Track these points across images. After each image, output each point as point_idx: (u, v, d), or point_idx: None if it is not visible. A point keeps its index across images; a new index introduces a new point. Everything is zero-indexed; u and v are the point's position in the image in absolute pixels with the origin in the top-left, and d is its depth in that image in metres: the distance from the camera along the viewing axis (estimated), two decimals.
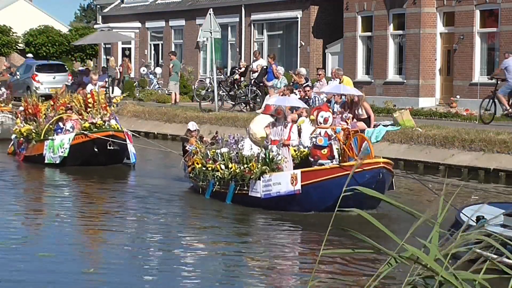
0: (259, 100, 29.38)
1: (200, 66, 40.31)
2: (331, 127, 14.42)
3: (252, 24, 37.18)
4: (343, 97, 23.65)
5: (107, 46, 40.03)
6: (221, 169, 15.16)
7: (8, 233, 12.51)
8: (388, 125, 22.47)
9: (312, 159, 14.51)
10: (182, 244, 12.05)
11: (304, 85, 26.35)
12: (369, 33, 31.34)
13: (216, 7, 33.84)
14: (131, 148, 20.28)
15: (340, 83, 25.28)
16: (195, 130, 17.60)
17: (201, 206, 15.24)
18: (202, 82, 36.63)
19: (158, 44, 43.36)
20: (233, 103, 30.57)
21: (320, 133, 14.40)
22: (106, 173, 19.71)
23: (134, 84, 37.36)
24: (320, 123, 14.48)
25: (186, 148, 17.05)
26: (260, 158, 14.58)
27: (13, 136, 23.25)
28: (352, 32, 31.76)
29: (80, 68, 45.68)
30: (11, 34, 54.61)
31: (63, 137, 20.48)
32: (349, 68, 30.86)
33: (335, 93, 18.04)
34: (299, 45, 34.98)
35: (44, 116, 21.78)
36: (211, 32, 29.80)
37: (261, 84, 29.84)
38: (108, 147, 19.82)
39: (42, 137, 21.06)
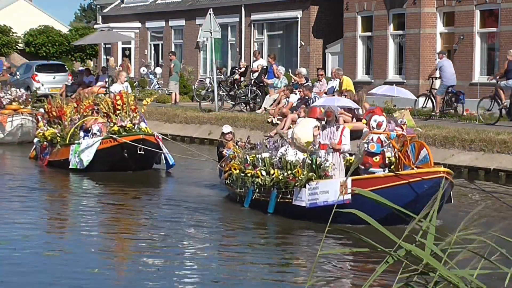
0: (259, 100, 29.39)
1: (200, 66, 40.31)
2: (384, 132, 13.42)
3: (252, 24, 37.18)
4: (343, 97, 23.69)
5: (107, 46, 40.05)
6: (262, 175, 14.07)
7: (30, 240, 11.93)
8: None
9: (362, 167, 13.43)
10: (219, 262, 10.94)
11: (304, 84, 26.37)
12: (369, 33, 31.34)
13: (216, 7, 33.84)
14: (166, 152, 19.44)
15: (340, 83, 25.34)
16: (229, 133, 16.66)
17: (240, 217, 14.07)
18: (202, 82, 36.64)
19: (158, 44, 43.36)
20: (233, 103, 30.57)
21: (372, 139, 13.37)
22: (135, 179, 18.67)
23: (134, 84, 37.34)
24: (373, 128, 13.43)
25: (223, 152, 16.00)
26: (305, 164, 13.51)
27: (35, 140, 22.15)
28: (352, 32, 31.77)
29: (80, 68, 45.70)
30: (11, 34, 54.62)
31: (90, 141, 19.35)
32: (349, 68, 30.86)
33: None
34: (299, 45, 34.98)
35: (69, 119, 20.68)
36: (211, 32, 29.80)
37: (261, 84, 29.84)
38: (138, 152, 18.72)
39: (67, 141, 20.03)
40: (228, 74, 32.78)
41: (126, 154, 18.84)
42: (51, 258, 10.83)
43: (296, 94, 25.85)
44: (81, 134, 20.05)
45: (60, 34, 54.72)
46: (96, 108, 20.32)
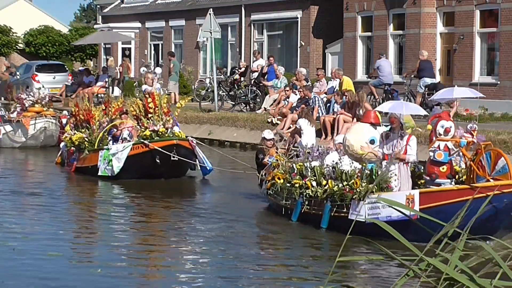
0: (259, 100, 29.39)
1: (200, 66, 40.30)
2: (453, 139, 12.20)
3: (252, 24, 37.18)
4: (343, 97, 23.71)
5: (107, 46, 40.04)
6: (312, 186, 12.81)
7: (57, 250, 11.36)
8: (388, 125, 22.44)
9: (427, 177, 12.24)
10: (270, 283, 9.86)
11: (304, 85, 26.38)
12: (369, 33, 31.34)
13: (216, 7, 33.83)
14: (202, 157, 18.24)
15: (340, 83, 25.35)
16: (271, 139, 15.56)
17: (288, 231, 12.80)
18: (202, 82, 36.62)
19: (158, 44, 43.35)
20: (233, 103, 30.58)
21: (439, 147, 12.13)
22: (168, 187, 17.57)
23: (134, 84, 37.33)
24: (440, 135, 12.18)
25: (265, 160, 14.83)
26: (364, 174, 12.24)
27: (61, 145, 21.14)
28: (352, 32, 31.76)
29: (81, 68, 45.70)
30: (11, 34, 54.59)
31: (120, 146, 18.17)
32: (349, 68, 30.85)
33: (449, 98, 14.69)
34: (299, 45, 34.98)
35: (97, 122, 19.59)
36: (211, 32, 29.80)
37: (261, 84, 29.86)
38: (172, 158, 17.48)
39: (96, 147, 18.92)
40: (228, 74, 32.79)
41: (158, 161, 17.62)
42: (78, 268, 10.45)
43: (296, 94, 25.86)
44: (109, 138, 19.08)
45: (60, 34, 54.70)
46: (124, 110, 19.36)
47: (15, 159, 23.91)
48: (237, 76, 31.51)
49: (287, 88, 26.85)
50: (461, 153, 12.26)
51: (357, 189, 12.07)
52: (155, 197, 16.39)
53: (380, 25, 30.63)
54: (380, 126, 13.07)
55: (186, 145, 17.90)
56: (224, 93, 31.16)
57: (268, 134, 15.76)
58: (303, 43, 34.77)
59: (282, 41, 36.68)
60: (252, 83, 30.52)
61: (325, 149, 13.83)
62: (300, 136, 22.35)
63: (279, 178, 13.58)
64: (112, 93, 36.72)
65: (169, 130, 18.05)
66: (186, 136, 18.70)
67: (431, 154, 12.17)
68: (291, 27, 35.75)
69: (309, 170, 13.06)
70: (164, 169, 17.83)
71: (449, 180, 12.04)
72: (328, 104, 24.50)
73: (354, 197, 12.08)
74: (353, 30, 31.67)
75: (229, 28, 38.29)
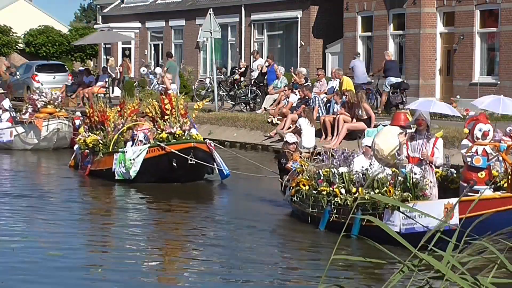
0: (259, 100, 29.40)
1: (200, 66, 40.31)
2: (492, 143, 11.53)
3: (252, 24, 37.18)
4: (343, 97, 23.71)
5: (107, 46, 40.04)
6: (341, 194, 12.08)
7: (69, 257, 10.88)
8: (388, 125, 22.44)
9: (464, 184, 11.48)
10: None
11: (304, 84, 26.38)
12: (369, 33, 31.34)
13: (216, 7, 33.83)
14: (220, 161, 17.46)
15: (340, 83, 25.35)
16: (294, 143, 14.64)
17: (316, 241, 12.09)
18: (202, 82, 36.63)
19: (158, 44, 43.36)
20: (233, 103, 30.59)
21: (476, 151, 11.43)
22: (184, 192, 16.80)
23: (134, 84, 37.33)
24: (478, 139, 11.48)
25: (288, 165, 13.98)
26: (397, 181, 11.50)
27: (75, 147, 20.37)
28: (352, 32, 31.76)
29: (81, 68, 45.71)
30: (11, 34, 54.60)
31: (136, 149, 17.47)
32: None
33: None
34: (299, 45, 34.98)
35: (112, 124, 18.82)
36: (211, 32, 29.81)
37: (261, 84, 29.86)
38: (189, 161, 16.82)
39: (110, 149, 18.29)
40: (228, 74, 32.79)
41: (175, 164, 16.92)
42: (93, 275, 10.16)
43: (296, 94, 25.86)
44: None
45: (60, 34, 54.71)
46: (141, 112, 18.67)
47: (27, 162, 23.39)
48: (237, 76, 31.51)
49: (286, 88, 26.86)
50: (500, 158, 11.51)
51: (391, 197, 11.22)
52: (171, 201, 15.73)
53: (380, 25, 30.63)
54: (410, 128, 12.42)
55: (204, 148, 17.22)
56: (224, 93, 31.16)
57: (291, 137, 14.83)
58: (303, 43, 34.77)
59: (282, 41, 36.68)
60: (252, 83, 30.52)
61: (350, 153, 13.02)
62: (300, 136, 22.37)
63: (304, 185, 12.78)
64: (112, 93, 36.75)
65: (186, 132, 17.35)
66: (204, 139, 18.02)
67: (469, 159, 11.44)
68: (291, 27, 35.76)
69: (337, 176, 12.29)
70: (181, 173, 17.12)
71: (487, 187, 11.17)
72: (328, 104, 24.50)
73: (387, 206, 11.31)
74: (353, 30, 31.67)
75: (229, 28, 38.30)
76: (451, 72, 28.91)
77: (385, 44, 30.41)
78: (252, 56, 33.84)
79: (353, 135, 22.58)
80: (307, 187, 12.76)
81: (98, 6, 50.85)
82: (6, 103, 26.25)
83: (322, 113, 23.92)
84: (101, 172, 18.30)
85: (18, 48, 54.87)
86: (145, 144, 17.61)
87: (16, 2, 61.60)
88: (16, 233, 12.60)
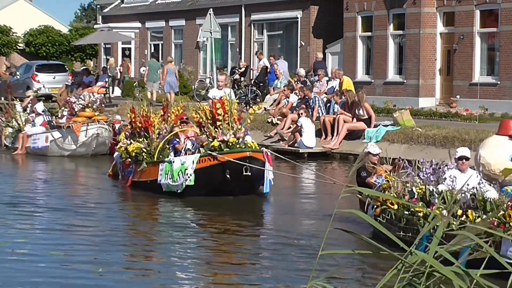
0: (259, 100, 29.41)
1: (200, 66, 40.31)
2: None
3: (252, 24, 37.19)
4: (343, 97, 23.72)
5: (107, 46, 40.07)
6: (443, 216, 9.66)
7: (106, 279, 9.91)
8: (388, 125, 22.49)
9: None
10: None
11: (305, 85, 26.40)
12: (369, 33, 31.34)
13: (216, 7, 33.85)
14: (268, 174, 15.42)
15: (340, 83, 25.36)
16: (377, 154, 12.90)
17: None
18: (202, 82, 36.65)
19: (158, 44, 43.37)
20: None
21: None
22: (238, 206, 14.96)
23: (134, 84, 37.37)
24: None
25: (371, 180, 12.23)
26: None
27: (115, 155, 18.59)
28: (352, 32, 31.76)
29: (82, 68, 45.75)
30: (11, 34, 54.63)
31: (185, 159, 15.59)
32: (349, 68, 30.85)
33: None
34: (299, 45, 34.99)
35: (157, 131, 16.98)
36: (211, 32, 29.82)
37: (261, 84, 29.88)
38: (244, 173, 14.91)
39: (155, 159, 16.45)
40: (228, 74, 32.79)
41: (228, 176, 15.09)
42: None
43: (296, 94, 25.87)
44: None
45: (60, 34, 54.74)
46: (185, 117, 17.03)
47: (64, 169, 21.64)
48: (237, 76, 31.52)
49: (285, 88, 26.87)
50: None
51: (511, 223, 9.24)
52: (223, 218, 13.90)
53: (380, 25, 30.64)
54: None
55: (260, 157, 15.27)
56: None
57: (373, 148, 12.95)
58: (303, 43, 34.77)
59: (282, 41, 36.69)
60: (252, 83, 30.53)
61: (439, 164, 11.25)
62: (301, 135, 22.38)
63: (392, 204, 10.90)
64: (112, 93, 36.78)
65: (240, 140, 15.43)
66: (260, 147, 16.21)
67: None
68: (291, 27, 35.76)
69: (436, 195, 10.37)
70: (234, 185, 15.24)
71: None
72: (328, 104, 24.52)
73: (510, 233, 9.19)
74: (353, 30, 31.68)
75: (229, 28, 38.30)
76: (451, 72, 28.92)
77: (385, 44, 30.42)
78: (256, 56, 33.84)
79: (353, 135, 22.61)
80: (396, 207, 10.84)
81: (98, 6, 50.87)
82: (40, 106, 24.95)
83: (322, 113, 23.94)
84: (145, 184, 16.60)
85: (18, 48, 54.90)
86: (193, 153, 15.75)
87: (16, 2, 61.62)
88: (54, 252, 11.24)
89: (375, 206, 11.44)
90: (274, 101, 27.38)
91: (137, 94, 35.99)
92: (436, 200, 10.21)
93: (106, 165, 20.04)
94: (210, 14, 29.88)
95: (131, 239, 12.47)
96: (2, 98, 39.66)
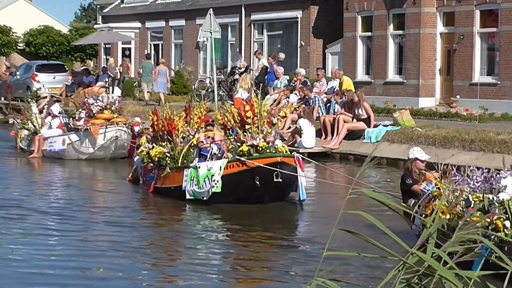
0: None
1: (200, 66, 40.32)
2: None
3: (252, 24, 37.19)
4: (343, 97, 23.72)
5: (107, 46, 40.07)
6: (506, 228, 9.22)
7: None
8: (388, 125, 22.49)
9: None
10: None
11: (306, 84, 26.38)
12: (369, 33, 31.34)
13: (216, 7, 33.85)
14: (301, 180, 14.62)
15: (340, 83, 25.36)
16: (425, 161, 11.90)
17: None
18: (202, 82, 36.65)
19: (158, 44, 43.38)
20: (233, 103, 30.56)
21: None
22: (268, 214, 14.13)
23: (134, 84, 37.38)
24: None
25: (419, 187, 11.37)
26: None
27: (136, 159, 17.85)
28: (352, 32, 31.77)
29: (82, 68, 45.75)
30: (11, 34, 54.64)
31: (212, 164, 14.69)
32: (349, 68, 30.86)
33: None
34: (299, 45, 34.99)
35: (181, 134, 16.03)
36: (211, 32, 29.81)
37: (261, 84, 29.87)
38: (275, 179, 14.04)
39: (180, 164, 15.59)
40: (228, 74, 32.81)
41: (258, 182, 14.21)
42: None
43: (296, 94, 25.87)
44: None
45: (60, 34, 54.75)
46: (210, 120, 16.20)
47: (81, 174, 20.85)
48: (237, 76, 31.50)
49: (283, 88, 26.88)
50: None
51: None
52: (252, 228, 13.00)
53: (380, 25, 30.64)
54: None
55: (291, 163, 14.46)
56: (224, 93, 31.15)
57: (420, 153, 11.88)
58: (303, 43, 34.77)
59: (282, 41, 36.69)
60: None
61: (492, 172, 10.31)
62: (300, 136, 22.38)
63: (443, 213, 9.87)
64: (112, 93, 36.76)
65: (270, 144, 14.54)
66: (291, 152, 15.40)
67: None
68: (291, 27, 35.76)
69: (497, 204, 9.48)
70: (264, 192, 14.40)
71: None
72: (328, 104, 24.51)
73: None
74: (353, 30, 31.68)
75: (229, 28, 38.31)
76: (451, 72, 28.92)
77: (385, 44, 30.43)
78: (255, 55, 33.85)
79: (353, 135, 22.61)
80: (448, 216, 9.85)
81: (98, 6, 50.87)
82: (56, 108, 23.99)
83: (322, 113, 23.93)
84: (169, 190, 15.72)
85: (18, 48, 54.90)
86: (219, 158, 15.00)
87: (16, 2, 61.64)
88: (70, 262, 10.70)
89: (423, 216, 10.44)
90: (274, 101, 27.37)
91: (137, 94, 36.07)
92: (497, 210, 9.41)
93: (125, 169, 19.48)
94: (210, 14, 29.88)
95: (154, 249, 11.77)
96: (2, 98, 39.76)
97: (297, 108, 23.41)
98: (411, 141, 21.01)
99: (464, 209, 9.89)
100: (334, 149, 22.31)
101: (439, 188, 10.57)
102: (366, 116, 22.64)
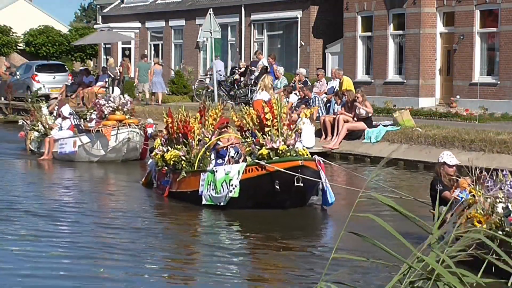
0: None
1: (200, 66, 40.32)
2: None
3: (252, 24, 37.19)
4: (343, 97, 23.72)
5: (107, 46, 40.07)
6: None
7: None
8: (388, 125, 22.49)
9: None
10: None
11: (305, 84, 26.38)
12: (369, 33, 31.35)
13: (216, 7, 33.86)
14: (326, 184, 14.02)
15: (340, 83, 25.35)
16: (454, 166, 11.20)
17: None
18: (202, 82, 36.66)
19: (158, 44, 43.38)
20: (233, 103, 30.59)
21: None
22: (289, 222, 13.44)
23: (134, 84, 37.36)
24: None
25: (452, 195, 10.48)
26: None
27: (149, 162, 17.36)
28: (352, 32, 31.77)
29: (82, 68, 45.75)
30: (11, 34, 54.63)
31: (230, 168, 14.16)
32: (349, 68, 30.86)
33: None
34: (299, 45, 34.99)
35: (197, 137, 15.33)
36: (211, 32, 29.82)
37: None
38: (295, 183, 13.43)
39: (196, 168, 14.97)
40: (228, 74, 32.80)
41: (278, 187, 13.64)
42: None
43: (296, 94, 25.86)
44: (212, 156, 15.14)
45: (60, 34, 54.73)
46: (226, 122, 15.78)
47: (92, 177, 20.17)
48: (237, 76, 31.52)
49: (282, 88, 26.89)
50: None
51: None
52: (273, 235, 12.31)
53: (380, 25, 30.64)
54: None
55: (313, 166, 13.84)
56: (224, 93, 31.15)
57: (449, 157, 11.21)
58: (303, 43, 34.78)
59: (282, 41, 36.70)
60: (252, 83, 30.52)
61: None
62: (300, 136, 22.36)
63: (479, 222, 9.32)
64: (112, 93, 36.73)
65: (291, 147, 13.98)
66: (312, 155, 14.88)
67: None
68: (291, 27, 35.77)
69: None
70: (284, 197, 13.83)
71: None
72: (328, 104, 24.52)
73: None
74: (353, 30, 31.69)
75: (229, 28, 38.31)
76: (451, 72, 28.93)
77: (385, 44, 30.43)
78: (255, 55, 33.86)
79: (353, 135, 22.61)
80: (485, 226, 9.19)
81: (98, 6, 50.88)
82: (66, 109, 23.33)
83: (322, 113, 23.93)
84: (185, 195, 15.12)
85: (18, 48, 54.89)
86: (237, 161, 14.53)
87: (16, 2, 61.63)
88: (80, 274, 10.10)
89: (457, 225, 9.41)
90: None
91: (137, 94, 36.04)
92: None
93: (137, 172, 19.10)
94: (210, 14, 29.88)
95: (170, 255, 11.31)
96: (2, 98, 39.77)
97: (297, 108, 23.43)
98: (411, 141, 21.01)
99: (503, 218, 9.24)
100: (334, 149, 22.31)
101: (474, 196, 9.86)
102: (366, 116, 22.65)
